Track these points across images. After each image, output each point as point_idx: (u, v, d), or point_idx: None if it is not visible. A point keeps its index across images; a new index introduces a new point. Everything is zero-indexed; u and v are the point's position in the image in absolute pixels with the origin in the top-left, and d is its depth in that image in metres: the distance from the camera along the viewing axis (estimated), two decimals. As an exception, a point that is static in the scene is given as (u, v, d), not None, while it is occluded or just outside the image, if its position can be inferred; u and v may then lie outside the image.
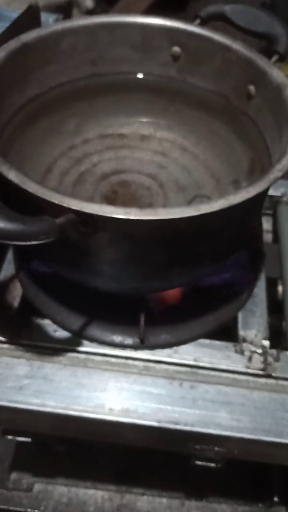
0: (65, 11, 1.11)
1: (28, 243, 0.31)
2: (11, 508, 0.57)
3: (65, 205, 0.33)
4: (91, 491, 0.58)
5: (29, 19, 0.50)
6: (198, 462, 0.46)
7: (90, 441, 0.48)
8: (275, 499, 0.58)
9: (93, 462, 0.60)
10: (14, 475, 0.59)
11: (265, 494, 0.59)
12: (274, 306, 0.53)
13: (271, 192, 0.60)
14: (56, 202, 0.33)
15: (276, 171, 0.36)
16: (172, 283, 0.43)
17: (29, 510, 0.57)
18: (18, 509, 0.57)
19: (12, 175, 0.35)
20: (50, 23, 0.54)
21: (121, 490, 0.58)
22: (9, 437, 0.49)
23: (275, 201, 0.61)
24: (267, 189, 0.38)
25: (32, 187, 0.34)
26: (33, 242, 0.31)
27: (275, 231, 0.60)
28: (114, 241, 0.37)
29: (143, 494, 0.58)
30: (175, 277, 0.42)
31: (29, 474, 0.59)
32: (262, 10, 0.50)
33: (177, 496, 0.58)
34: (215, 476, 0.58)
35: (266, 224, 0.61)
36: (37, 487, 0.58)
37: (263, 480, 0.60)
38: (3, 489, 0.58)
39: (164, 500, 0.58)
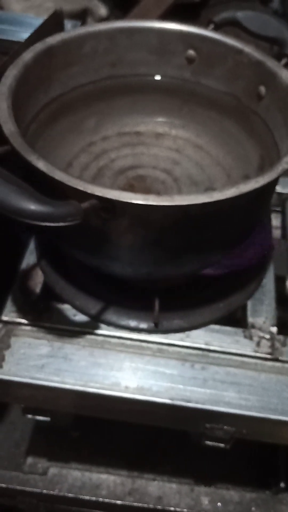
0: (79, 19, 1.14)
1: (56, 224, 0.34)
2: (27, 489, 0.59)
3: (89, 191, 0.36)
4: (104, 476, 0.60)
5: (54, 24, 0.53)
6: (208, 442, 0.48)
7: (105, 421, 0.50)
8: (281, 485, 0.59)
9: (106, 448, 0.62)
10: (30, 459, 0.61)
11: (272, 481, 0.61)
12: (282, 299, 0.56)
13: (280, 189, 0.63)
14: (81, 188, 0.36)
15: (284, 163, 0.39)
16: (185, 269, 0.46)
17: (44, 491, 0.59)
18: (34, 489, 0.59)
19: (41, 164, 0.38)
20: (72, 28, 0.57)
21: (132, 475, 0.60)
22: (29, 416, 0.51)
23: (284, 198, 0.64)
24: (275, 180, 0.40)
25: (59, 175, 0.37)
26: (61, 224, 0.34)
27: (284, 227, 0.63)
28: (132, 227, 0.40)
29: (154, 480, 0.60)
30: (187, 263, 0.44)
31: (44, 459, 0.61)
32: (272, 16, 0.53)
33: (186, 482, 0.60)
34: (223, 463, 0.60)
35: (275, 220, 0.64)
36: (52, 471, 0.60)
37: (270, 467, 0.61)
38: (19, 472, 0.60)
39: (174, 485, 0.60)
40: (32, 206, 0.33)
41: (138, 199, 0.36)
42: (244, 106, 0.53)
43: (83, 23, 1.16)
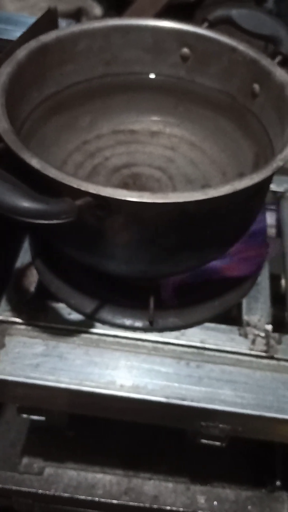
0: (74, 19, 1.14)
1: (50, 222, 0.34)
2: (23, 489, 0.59)
3: (83, 188, 0.36)
4: (100, 475, 0.60)
5: (48, 22, 0.53)
6: (204, 441, 0.48)
7: (100, 420, 0.50)
8: (277, 483, 0.60)
9: (101, 448, 0.62)
10: (25, 460, 0.61)
11: (267, 479, 0.61)
12: (278, 298, 0.56)
13: (274, 188, 0.63)
14: (75, 186, 0.36)
15: (278, 160, 0.39)
16: (180, 267, 0.46)
17: (40, 491, 0.59)
18: (29, 490, 0.59)
19: (34, 162, 0.38)
20: (67, 26, 0.57)
21: (128, 474, 0.60)
22: (24, 415, 0.51)
23: (279, 197, 0.64)
24: (270, 177, 0.40)
25: (53, 173, 0.37)
26: (55, 221, 0.34)
27: (279, 226, 0.63)
28: (127, 225, 0.40)
29: (149, 479, 0.60)
30: (183, 261, 0.44)
31: (40, 459, 0.61)
32: (267, 14, 0.53)
33: (182, 481, 0.60)
34: (219, 462, 0.60)
35: (270, 219, 0.64)
36: (48, 471, 0.60)
37: (266, 466, 0.61)
38: (15, 472, 0.60)
39: (170, 484, 0.60)
40: (26, 204, 0.33)
41: (132, 197, 0.36)
42: (238, 104, 0.53)
43: (78, 22, 1.15)
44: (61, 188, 0.37)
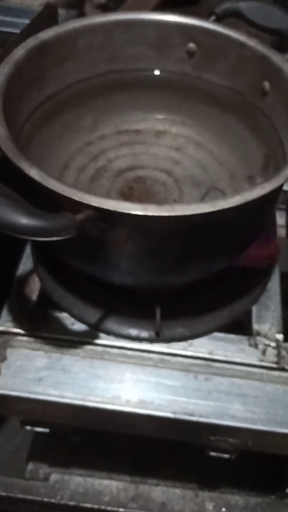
0: (77, 6, 1.11)
1: (50, 239, 0.32)
2: (29, 497, 0.58)
3: (85, 201, 0.34)
4: (107, 482, 0.59)
5: (47, 17, 0.51)
6: (212, 453, 0.47)
7: (107, 432, 0.48)
8: (287, 490, 0.58)
9: (108, 454, 0.61)
10: (31, 466, 0.60)
11: (277, 486, 0.60)
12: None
13: (285, 187, 0.61)
14: (76, 198, 0.34)
15: (291, 167, 0.37)
16: (187, 277, 0.44)
17: (45, 499, 0.58)
18: (35, 498, 0.58)
19: (34, 173, 0.36)
20: (67, 20, 0.54)
21: (135, 481, 0.59)
22: (28, 427, 0.50)
23: (289, 196, 0.61)
24: (282, 185, 0.38)
25: (53, 184, 0.35)
26: (54, 238, 0.32)
27: (289, 226, 0.61)
28: (132, 237, 0.38)
29: (157, 485, 0.59)
30: (190, 271, 0.43)
31: (45, 465, 0.60)
32: (277, 6, 0.51)
33: (190, 487, 0.59)
34: (228, 468, 0.59)
35: (280, 219, 0.61)
36: (54, 477, 0.59)
37: (275, 472, 0.60)
38: (20, 479, 0.59)
39: (178, 490, 0.59)
40: (24, 220, 0.31)
41: (136, 210, 0.34)
42: (247, 102, 0.51)
43: (81, 10, 1.13)
44: (61, 199, 0.35)
